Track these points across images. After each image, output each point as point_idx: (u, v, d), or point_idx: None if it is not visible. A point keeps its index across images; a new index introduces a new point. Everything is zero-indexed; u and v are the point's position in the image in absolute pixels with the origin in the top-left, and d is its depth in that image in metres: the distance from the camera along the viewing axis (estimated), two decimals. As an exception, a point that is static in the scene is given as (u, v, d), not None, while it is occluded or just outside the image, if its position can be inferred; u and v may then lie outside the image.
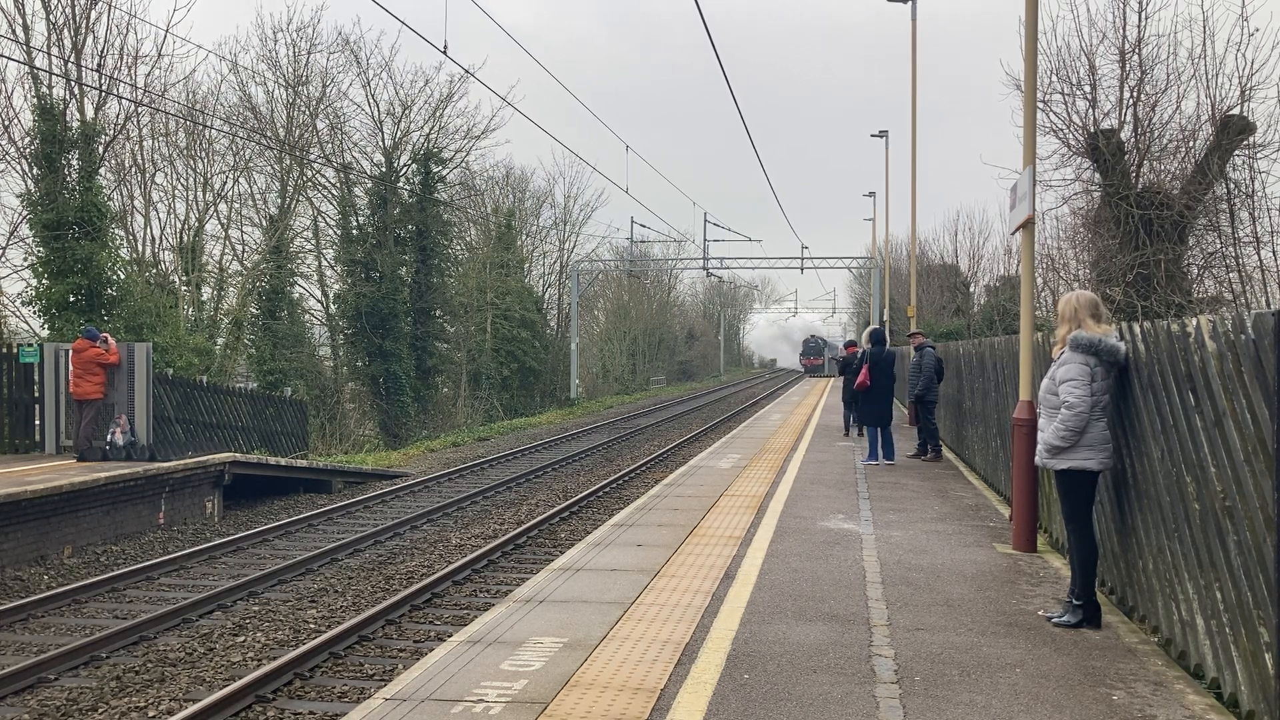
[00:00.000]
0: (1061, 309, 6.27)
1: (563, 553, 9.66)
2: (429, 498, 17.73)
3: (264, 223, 34.33)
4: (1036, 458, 6.35)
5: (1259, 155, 15.90)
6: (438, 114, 39.76)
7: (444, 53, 16.12)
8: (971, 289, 46.67)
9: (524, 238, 54.33)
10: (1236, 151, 16.27)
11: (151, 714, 7.07)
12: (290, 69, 35.22)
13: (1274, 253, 14.96)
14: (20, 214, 23.29)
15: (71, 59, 23.46)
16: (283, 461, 18.02)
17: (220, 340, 30.53)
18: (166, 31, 35.10)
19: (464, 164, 42.80)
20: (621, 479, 19.23)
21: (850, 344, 19.73)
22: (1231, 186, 16.36)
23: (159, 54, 30.75)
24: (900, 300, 37.63)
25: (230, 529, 14.71)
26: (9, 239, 24.17)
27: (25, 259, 23.53)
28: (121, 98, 25.63)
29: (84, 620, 9.61)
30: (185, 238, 30.15)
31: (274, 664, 7.64)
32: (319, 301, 39.31)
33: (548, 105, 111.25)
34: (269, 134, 34.05)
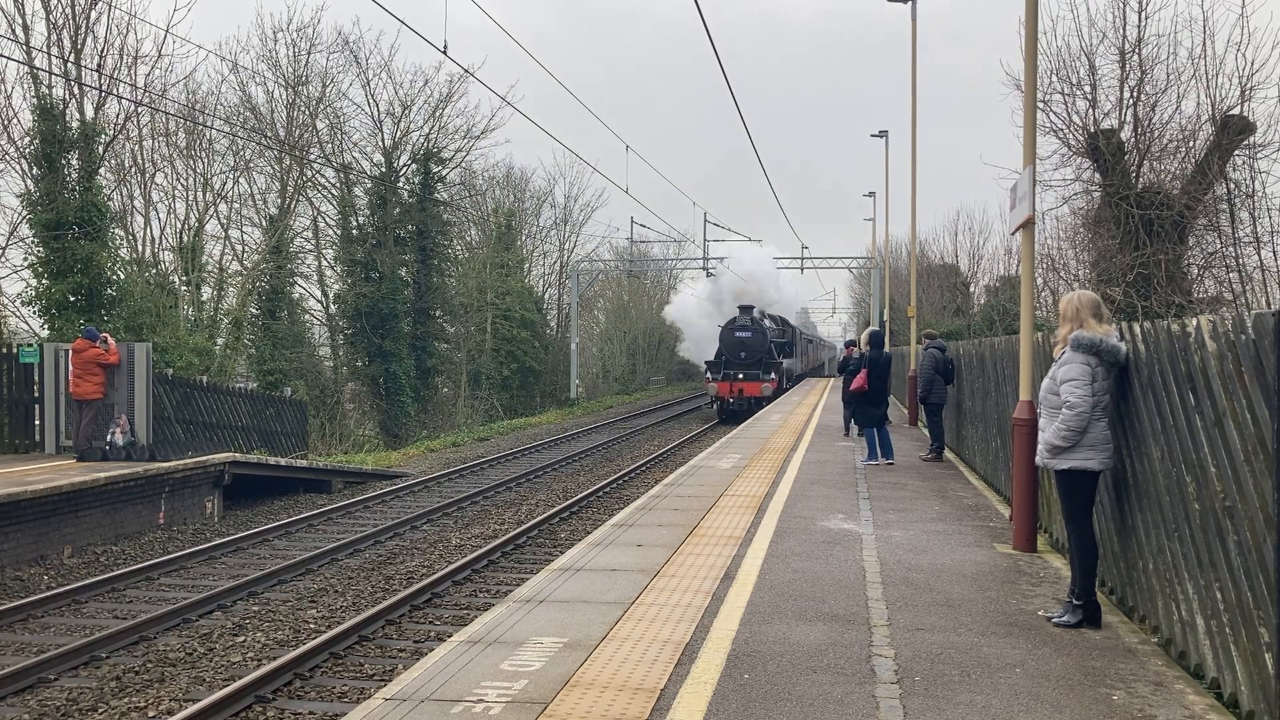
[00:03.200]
0: (1063, 309, 6.26)
1: (563, 553, 9.65)
2: (429, 498, 17.73)
3: (264, 223, 34.32)
4: (1037, 458, 6.35)
5: (1259, 155, 15.94)
6: (437, 114, 39.80)
7: (444, 53, 16.06)
8: (971, 289, 46.71)
9: (524, 238, 54.35)
10: (1236, 151, 16.30)
11: (151, 714, 7.07)
12: (290, 69, 35.23)
13: (1274, 253, 14.99)
14: (20, 214, 23.29)
15: (71, 59, 23.44)
16: (282, 461, 18.02)
17: (220, 340, 30.51)
18: (166, 31, 34.88)
19: (464, 164, 42.87)
20: (621, 479, 19.24)
21: (850, 344, 19.72)
22: (1231, 186, 16.39)
23: (159, 54, 30.88)
24: (900, 300, 37.61)
25: (230, 529, 14.71)
26: (9, 239, 24.18)
27: (25, 259, 23.54)
28: (121, 98, 25.63)
29: (84, 620, 9.61)
30: (185, 238, 30.13)
31: (274, 664, 7.65)
32: (319, 301, 39.34)
33: (548, 106, 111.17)
34: (269, 134, 34.04)
